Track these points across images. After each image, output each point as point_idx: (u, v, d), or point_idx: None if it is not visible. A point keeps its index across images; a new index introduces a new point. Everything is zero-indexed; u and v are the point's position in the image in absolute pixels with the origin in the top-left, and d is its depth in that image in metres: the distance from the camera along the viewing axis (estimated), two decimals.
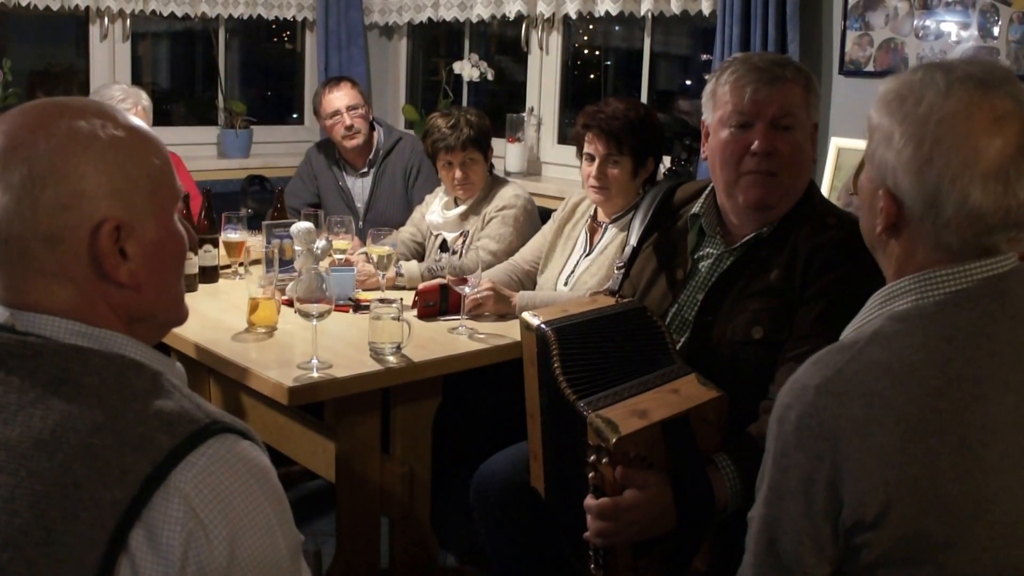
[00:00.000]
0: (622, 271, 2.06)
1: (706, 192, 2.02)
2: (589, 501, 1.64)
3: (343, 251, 3.00)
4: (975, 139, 1.19)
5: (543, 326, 1.81)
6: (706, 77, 2.03)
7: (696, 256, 2.00)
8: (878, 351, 1.21)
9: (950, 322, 1.21)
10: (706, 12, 3.34)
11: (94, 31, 4.10)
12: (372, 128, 3.86)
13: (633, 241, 2.08)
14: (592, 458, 1.62)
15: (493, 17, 4.14)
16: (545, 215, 3.15)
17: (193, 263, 2.86)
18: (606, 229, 2.80)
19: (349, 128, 3.75)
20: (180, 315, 1.18)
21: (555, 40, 4.11)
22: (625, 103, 2.72)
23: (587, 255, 2.81)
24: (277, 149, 4.60)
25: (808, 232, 1.85)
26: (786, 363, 1.77)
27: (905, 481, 1.16)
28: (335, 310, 2.27)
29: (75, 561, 0.93)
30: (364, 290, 2.84)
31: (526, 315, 1.86)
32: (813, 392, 1.20)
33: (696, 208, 2.01)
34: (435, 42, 4.98)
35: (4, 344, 1.03)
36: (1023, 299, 1.23)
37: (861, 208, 1.36)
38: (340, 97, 3.77)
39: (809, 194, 1.92)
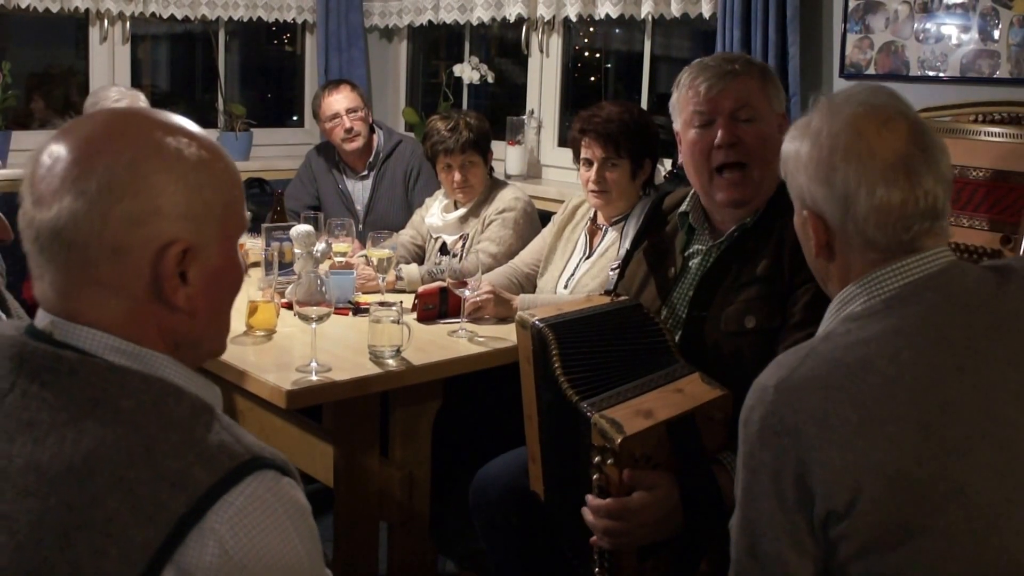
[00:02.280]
0: (616, 272, 2.08)
1: (691, 192, 2.07)
2: (595, 500, 1.64)
3: (343, 254, 2.99)
4: (867, 140, 1.30)
5: (539, 323, 1.81)
6: None
7: (686, 254, 2.03)
8: (830, 347, 1.27)
9: (898, 316, 1.27)
10: (706, 15, 3.34)
11: (94, 33, 4.09)
12: (372, 131, 3.85)
13: (627, 244, 2.12)
14: (597, 459, 1.62)
15: (493, 20, 4.13)
16: (546, 218, 3.14)
17: None
18: (606, 232, 2.79)
19: (349, 131, 3.74)
20: (222, 346, 1.16)
21: (555, 42, 4.11)
22: (620, 106, 2.72)
23: (587, 258, 2.81)
24: (277, 152, 4.59)
25: (791, 219, 1.87)
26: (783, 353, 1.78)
27: (869, 467, 1.19)
28: (334, 313, 2.26)
29: None
30: (364, 293, 2.83)
31: (522, 314, 1.88)
32: (772, 392, 1.25)
33: (684, 207, 2.06)
34: (435, 44, 4.97)
35: (40, 355, 0.99)
36: (966, 290, 1.30)
37: (801, 245, 1.47)
38: (340, 100, 3.76)
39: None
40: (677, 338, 1.92)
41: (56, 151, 1.00)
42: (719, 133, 1.89)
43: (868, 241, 1.31)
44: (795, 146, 1.39)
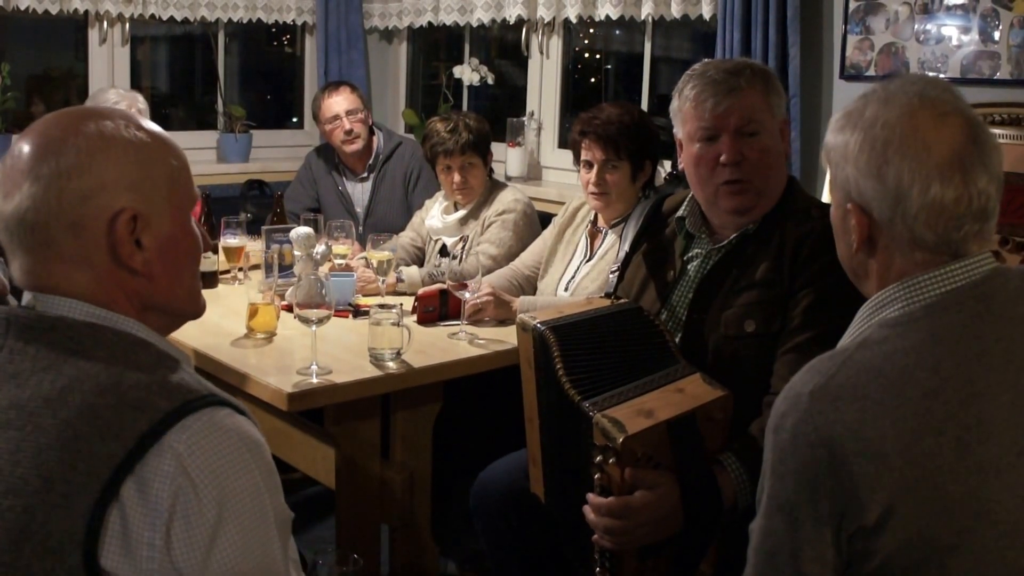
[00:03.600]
0: (616, 274, 2.08)
1: (689, 196, 2.06)
2: (596, 499, 1.64)
3: (343, 256, 2.99)
4: (923, 135, 1.24)
5: (540, 326, 1.81)
6: None
7: (685, 258, 2.03)
8: (869, 356, 1.23)
9: (938, 325, 1.23)
10: (707, 16, 3.34)
11: (93, 35, 4.09)
12: (372, 133, 3.85)
13: (626, 247, 2.11)
14: (599, 459, 1.63)
15: (493, 21, 4.13)
16: (546, 220, 3.14)
17: None
18: (606, 234, 2.79)
19: (348, 133, 3.74)
20: (196, 308, 1.27)
21: (555, 44, 4.10)
22: (620, 108, 2.71)
23: (588, 260, 2.80)
24: (277, 154, 4.59)
25: (793, 224, 1.89)
26: (785, 355, 1.79)
27: (905, 483, 1.16)
28: (335, 315, 2.26)
29: (68, 508, 1.00)
30: (364, 295, 2.83)
31: (522, 316, 1.88)
32: (807, 399, 1.21)
33: (680, 211, 2.05)
34: (435, 46, 4.97)
35: (23, 318, 1.12)
36: (1006, 300, 1.26)
37: (836, 239, 1.40)
38: (339, 101, 3.76)
39: (790, 190, 1.97)
40: (677, 340, 1.92)
41: (16, 152, 1.14)
42: (724, 151, 1.87)
43: (916, 239, 1.26)
44: (843, 137, 1.31)
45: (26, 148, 1.13)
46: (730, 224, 1.96)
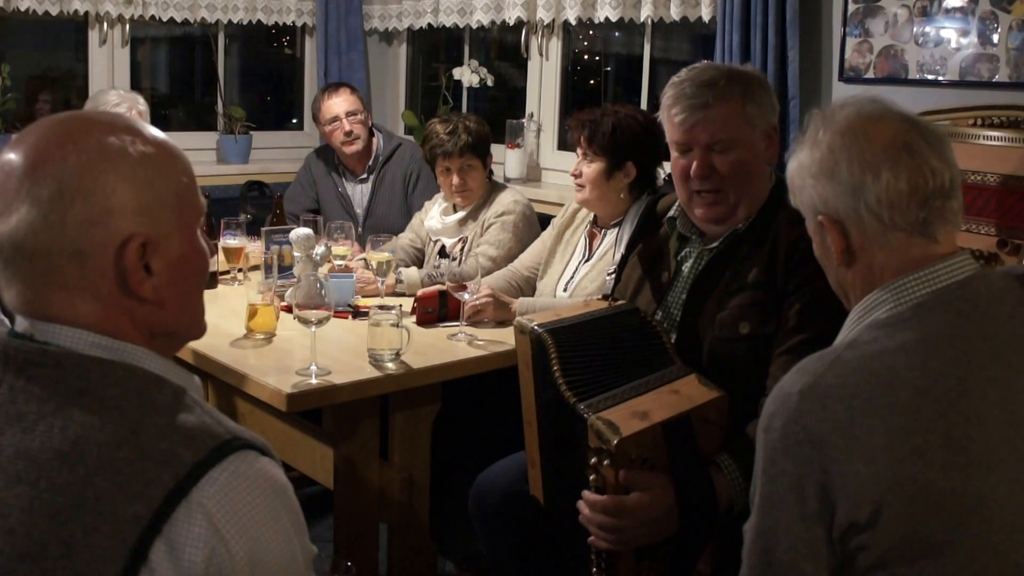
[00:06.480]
0: (613, 276, 2.08)
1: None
2: (591, 496, 1.64)
3: (342, 257, 2.99)
4: (863, 131, 1.33)
5: (538, 329, 1.81)
6: None
7: (679, 258, 2.03)
8: (857, 356, 1.25)
9: (926, 325, 1.25)
10: (706, 18, 3.34)
11: (93, 36, 4.09)
12: (371, 134, 3.85)
13: (622, 249, 2.12)
14: (593, 460, 1.63)
15: (493, 23, 4.13)
16: (545, 221, 3.14)
17: None
18: (605, 235, 2.79)
19: (348, 134, 3.74)
20: (199, 330, 1.18)
21: (555, 46, 4.11)
22: (614, 107, 2.71)
23: (587, 261, 2.81)
24: (276, 155, 4.59)
25: (786, 225, 1.88)
26: (780, 358, 1.80)
27: (895, 480, 1.18)
28: (334, 316, 2.26)
29: (94, 575, 0.93)
30: (363, 296, 2.83)
31: (520, 319, 1.88)
32: (796, 398, 1.23)
33: (672, 212, 2.06)
34: (435, 48, 4.97)
35: (25, 352, 1.02)
36: (991, 299, 1.28)
37: (824, 270, 1.45)
38: (339, 103, 3.76)
39: (779, 190, 1.93)
40: (672, 340, 1.93)
41: (7, 163, 1.03)
42: (694, 164, 1.90)
43: (885, 226, 1.29)
44: (796, 160, 1.40)
45: (20, 162, 1.02)
46: (713, 228, 1.97)
